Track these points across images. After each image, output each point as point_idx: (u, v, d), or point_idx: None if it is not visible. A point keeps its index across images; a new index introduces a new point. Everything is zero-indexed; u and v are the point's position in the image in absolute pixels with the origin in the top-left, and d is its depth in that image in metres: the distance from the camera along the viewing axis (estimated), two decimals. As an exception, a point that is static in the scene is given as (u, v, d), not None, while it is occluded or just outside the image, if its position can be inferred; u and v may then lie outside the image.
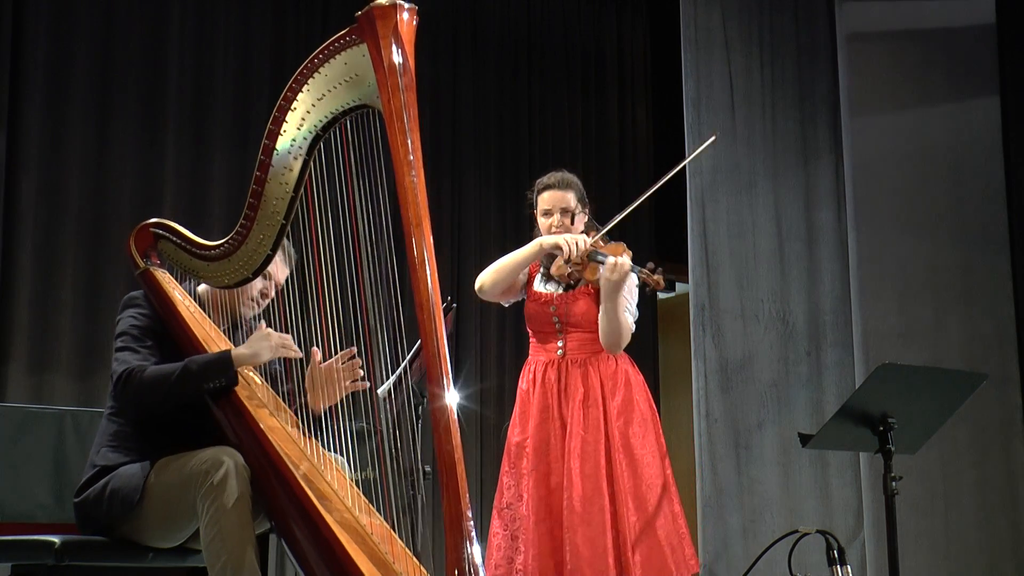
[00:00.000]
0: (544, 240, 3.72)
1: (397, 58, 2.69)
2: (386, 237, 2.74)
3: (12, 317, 5.26)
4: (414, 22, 2.73)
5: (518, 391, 3.80)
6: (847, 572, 3.60)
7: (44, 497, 3.55)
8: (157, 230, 3.18)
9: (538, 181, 3.86)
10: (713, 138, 4.36)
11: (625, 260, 3.55)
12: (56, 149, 5.45)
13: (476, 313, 6.61)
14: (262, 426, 2.87)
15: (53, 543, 2.89)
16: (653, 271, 3.54)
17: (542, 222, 3.80)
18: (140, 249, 3.19)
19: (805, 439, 3.50)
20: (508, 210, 6.85)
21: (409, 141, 2.64)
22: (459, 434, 2.54)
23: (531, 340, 3.86)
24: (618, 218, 3.78)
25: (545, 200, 3.79)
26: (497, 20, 6.97)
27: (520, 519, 3.63)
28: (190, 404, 2.98)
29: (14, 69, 5.37)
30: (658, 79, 7.42)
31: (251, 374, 3.10)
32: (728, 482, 5.61)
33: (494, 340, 6.68)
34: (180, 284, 3.21)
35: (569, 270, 3.68)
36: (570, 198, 3.79)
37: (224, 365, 2.94)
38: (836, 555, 3.61)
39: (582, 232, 3.75)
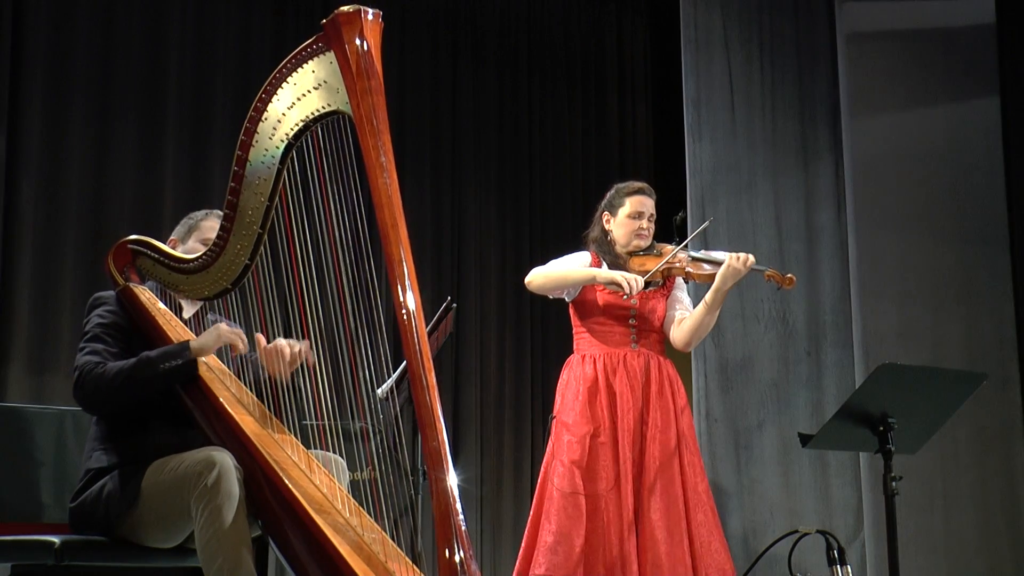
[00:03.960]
0: (599, 275, 3.82)
1: (364, 63, 2.70)
2: (363, 240, 2.74)
3: (12, 317, 5.25)
4: (379, 26, 2.75)
5: (582, 380, 3.85)
6: (847, 572, 3.60)
7: (44, 497, 3.53)
8: (135, 247, 3.17)
9: (624, 184, 4.00)
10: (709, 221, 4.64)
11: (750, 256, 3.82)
12: (56, 149, 5.45)
13: (476, 313, 6.61)
14: (246, 431, 2.86)
15: (53, 543, 2.88)
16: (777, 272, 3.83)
17: (627, 223, 3.92)
18: (119, 266, 3.19)
19: (805, 439, 3.50)
20: (508, 210, 6.84)
21: (380, 144, 2.65)
22: (444, 431, 2.53)
23: (583, 333, 3.93)
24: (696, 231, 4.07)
25: (636, 203, 3.93)
26: (497, 20, 6.97)
27: (580, 506, 3.71)
28: (173, 406, 2.97)
29: (14, 69, 5.36)
30: (658, 79, 7.41)
31: (239, 382, 3.09)
32: (728, 482, 5.61)
33: (494, 340, 6.67)
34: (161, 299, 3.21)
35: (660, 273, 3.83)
36: (653, 207, 3.96)
37: (180, 348, 2.95)
38: (836, 555, 3.62)
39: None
